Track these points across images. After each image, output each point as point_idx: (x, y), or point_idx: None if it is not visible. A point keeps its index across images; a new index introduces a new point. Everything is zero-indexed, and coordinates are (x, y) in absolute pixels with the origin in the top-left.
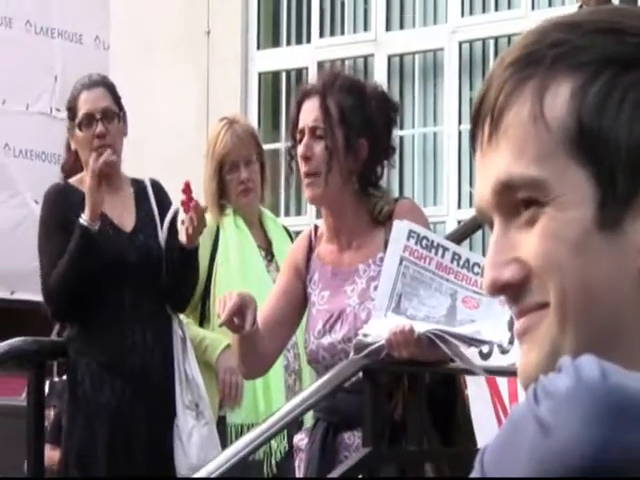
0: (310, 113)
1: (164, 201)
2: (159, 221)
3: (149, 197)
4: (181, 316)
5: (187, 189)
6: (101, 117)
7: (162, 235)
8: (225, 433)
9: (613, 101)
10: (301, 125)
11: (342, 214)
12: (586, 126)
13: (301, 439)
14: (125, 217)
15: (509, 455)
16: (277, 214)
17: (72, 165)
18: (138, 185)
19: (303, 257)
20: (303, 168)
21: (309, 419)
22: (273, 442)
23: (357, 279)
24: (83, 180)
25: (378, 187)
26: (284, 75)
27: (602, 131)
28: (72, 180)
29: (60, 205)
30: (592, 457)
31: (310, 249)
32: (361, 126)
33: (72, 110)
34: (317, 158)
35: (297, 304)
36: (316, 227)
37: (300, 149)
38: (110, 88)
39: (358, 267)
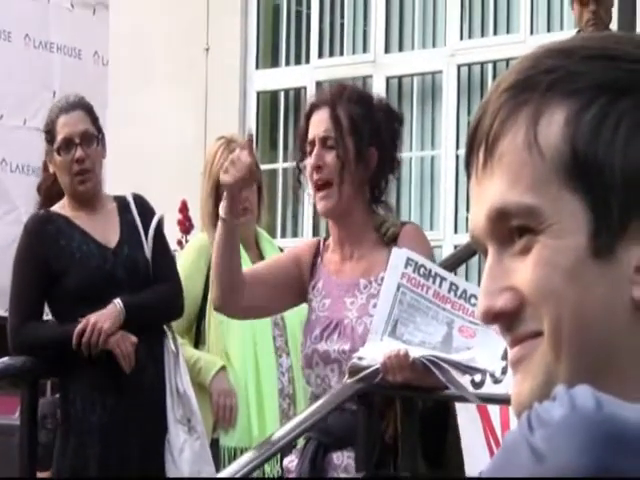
0: (320, 124)
1: (147, 213)
2: (143, 232)
3: (132, 210)
4: (177, 336)
5: (183, 208)
6: (80, 141)
7: (147, 245)
8: (218, 456)
9: (607, 127)
10: (311, 136)
11: (350, 225)
12: (580, 153)
13: (291, 460)
14: (108, 233)
15: None
16: (274, 235)
17: (50, 186)
18: (119, 201)
19: (309, 260)
20: (315, 177)
21: (300, 440)
22: (267, 466)
23: (357, 293)
24: (65, 205)
25: (384, 202)
26: (282, 95)
27: (597, 158)
28: (55, 207)
29: (38, 241)
30: None
31: (317, 256)
32: (370, 135)
33: (50, 133)
34: (329, 167)
35: (284, 280)
36: (325, 239)
37: (311, 159)
38: (88, 110)
39: (359, 281)
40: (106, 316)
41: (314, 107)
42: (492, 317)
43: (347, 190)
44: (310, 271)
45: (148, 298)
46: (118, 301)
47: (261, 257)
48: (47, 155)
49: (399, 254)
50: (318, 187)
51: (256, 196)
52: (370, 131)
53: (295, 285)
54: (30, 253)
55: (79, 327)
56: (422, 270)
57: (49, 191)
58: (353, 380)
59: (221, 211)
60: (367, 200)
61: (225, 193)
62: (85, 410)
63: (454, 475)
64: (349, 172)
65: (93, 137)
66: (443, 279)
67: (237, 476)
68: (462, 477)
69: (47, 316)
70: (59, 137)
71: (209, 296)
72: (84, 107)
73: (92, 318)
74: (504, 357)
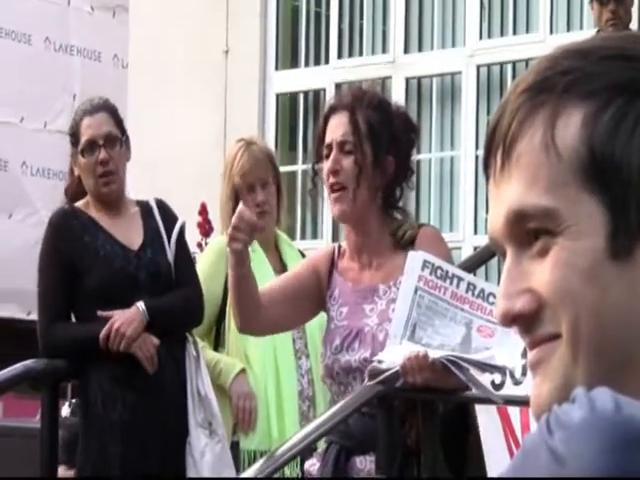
0: (338, 128)
1: (170, 218)
2: (166, 237)
3: (154, 215)
4: (197, 339)
5: (203, 210)
6: (104, 143)
7: (170, 251)
8: (238, 459)
9: (625, 128)
10: (328, 140)
11: (366, 232)
12: (598, 154)
13: (312, 464)
14: (132, 236)
15: None
16: (293, 237)
17: (75, 189)
18: (143, 205)
19: (325, 269)
20: (331, 180)
21: (321, 443)
22: (287, 469)
23: (377, 299)
24: (89, 204)
25: (398, 208)
26: (302, 96)
27: (614, 159)
28: (78, 203)
29: (63, 236)
30: None
31: (332, 264)
32: (388, 142)
33: (75, 136)
34: (345, 172)
35: (306, 292)
36: (339, 245)
37: (328, 163)
38: (112, 112)
39: (378, 287)
40: (129, 320)
41: (333, 110)
42: (511, 319)
43: (362, 195)
44: (327, 280)
45: (170, 302)
46: (141, 304)
47: (281, 260)
48: (72, 157)
49: (415, 257)
50: (333, 191)
51: (275, 198)
52: (388, 138)
53: (316, 295)
54: (54, 247)
55: (103, 332)
56: (439, 272)
57: (75, 194)
58: (373, 383)
59: (230, 262)
60: (381, 207)
61: (231, 254)
62: (106, 407)
63: (476, 474)
64: (366, 177)
65: (117, 139)
66: (460, 279)
67: (257, 478)
68: (483, 477)
69: None
70: (83, 139)
71: (228, 298)
72: (108, 109)
73: (116, 323)
74: (524, 355)
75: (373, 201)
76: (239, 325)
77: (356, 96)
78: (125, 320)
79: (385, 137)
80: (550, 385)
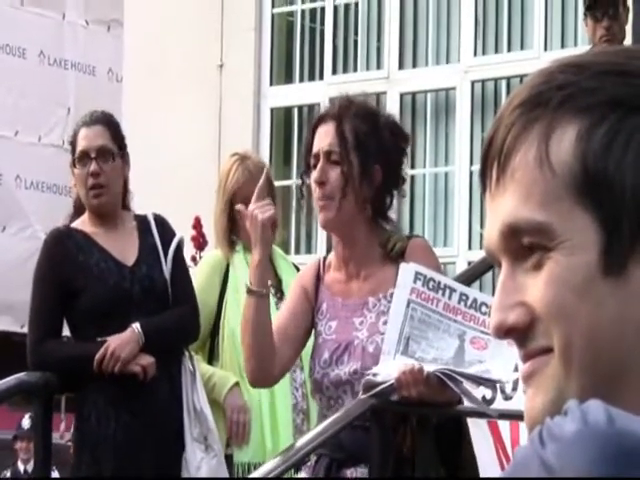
0: (325, 138)
1: (167, 233)
2: (163, 253)
3: (152, 230)
4: (193, 354)
5: (197, 224)
6: (96, 156)
7: (167, 267)
8: (232, 472)
9: (619, 144)
10: (315, 149)
11: (354, 242)
12: (591, 170)
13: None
14: (127, 251)
15: None
16: (287, 252)
17: (79, 200)
18: (140, 220)
19: (312, 285)
20: (317, 193)
21: (311, 456)
22: None
23: (367, 312)
24: (85, 221)
25: (388, 218)
26: (296, 111)
27: (607, 174)
28: (76, 222)
29: (57, 257)
30: None
31: (318, 278)
32: (376, 152)
33: (72, 145)
34: (332, 183)
35: (304, 325)
36: (324, 258)
37: (315, 174)
38: (110, 126)
39: (368, 300)
40: (125, 343)
41: (321, 120)
42: (504, 332)
43: (348, 204)
44: (314, 295)
45: (166, 321)
46: (137, 326)
47: (276, 274)
48: (71, 167)
49: (407, 269)
50: (319, 199)
51: None
52: (375, 149)
53: (312, 319)
54: (49, 268)
55: (99, 355)
56: (431, 283)
57: (80, 205)
58: (367, 396)
59: (251, 280)
60: (370, 217)
61: (254, 261)
62: (100, 425)
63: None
64: (352, 188)
65: (109, 153)
66: (453, 290)
67: None
68: (478, 478)
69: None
70: (77, 150)
71: (222, 312)
72: (106, 123)
73: (111, 346)
74: (516, 369)
75: (361, 211)
76: (252, 376)
77: (343, 106)
78: (120, 343)
79: (373, 147)
80: (543, 398)
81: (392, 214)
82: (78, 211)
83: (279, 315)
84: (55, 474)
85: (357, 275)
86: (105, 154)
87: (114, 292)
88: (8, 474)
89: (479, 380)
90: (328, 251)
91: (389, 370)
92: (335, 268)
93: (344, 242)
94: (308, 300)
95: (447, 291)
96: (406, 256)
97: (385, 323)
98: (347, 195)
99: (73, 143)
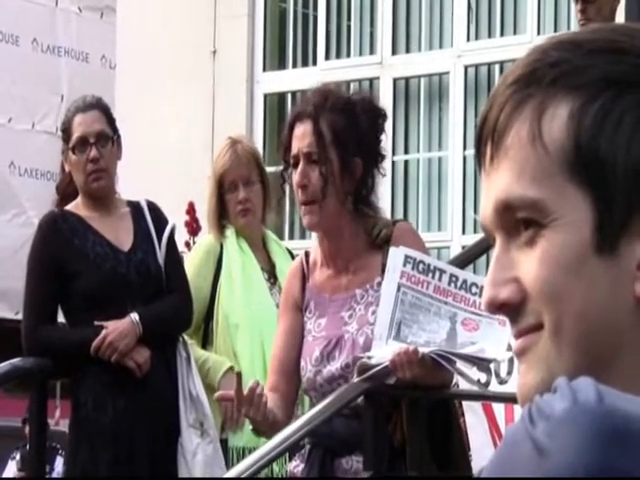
0: (304, 138)
1: (160, 220)
2: (157, 239)
3: (145, 217)
4: (187, 340)
5: (191, 210)
6: (95, 141)
7: (160, 253)
8: (227, 456)
9: (611, 122)
10: (295, 150)
11: (339, 237)
12: (584, 147)
13: (296, 465)
14: (122, 236)
15: (505, 474)
16: (281, 237)
17: (66, 186)
18: (134, 206)
19: (298, 289)
20: (300, 197)
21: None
22: (275, 465)
23: (355, 305)
24: (79, 205)
25: (370, 204)
26: (290, 97)
27: (599, 152)
28: (69, 205)
29: (52, 241)
30: None
31: (304, 278)
32: (355, 145)
33: (66, 132)
34: (314, 186)
35: (300, 343)
36: (307, 254)
37: (296, 177)
38: (105, 111)
39: (355, 293)
40: (123, 335)
41: (297, 117)
42: (496, 307)
43: (331, 203)
44: (301, 295)
45: (162, 312)
46: (135, 315)
47: (269, 258)
48: (63, 154)
49: (397, 253)
50: (303, 203)
51: (260, 197)
52: (355, 142)
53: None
54: (44, 252)
55: (95, 343)
56: (421, 266)
57: (65, 191)
58: (361, 378)
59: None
60: (352, 207)
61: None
62: (97, 411)
63: (462, 471)
64: (333, 187)
65: (108, 137)
66: (442, 272)
67: (244, 476)
68: (465, 476)
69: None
70: (74, 136)
71: (216, 296)
72: (100, 107)
73: (109, 337)
74: (509, 348)
75: (343, 206)
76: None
77: (318, 102)
78: (118, 334)
79: (352, 140)
80: (535, 374)
81: (374, 197)
82: (64, 197)
83: (276, 343)
84: (61, 459)
85: (346, 269)
86: (104, 139)
87: (110, 277)
88: (18, 456)
89: (473, 360)
90: None
91: (383, 352)
92: (322, 264)
93: (329, 237)
94: (300, 312)
95: (437, 273)
96: (392, 241)
97: (374, 313)
98: (328, 195)
99: (67, 130)
